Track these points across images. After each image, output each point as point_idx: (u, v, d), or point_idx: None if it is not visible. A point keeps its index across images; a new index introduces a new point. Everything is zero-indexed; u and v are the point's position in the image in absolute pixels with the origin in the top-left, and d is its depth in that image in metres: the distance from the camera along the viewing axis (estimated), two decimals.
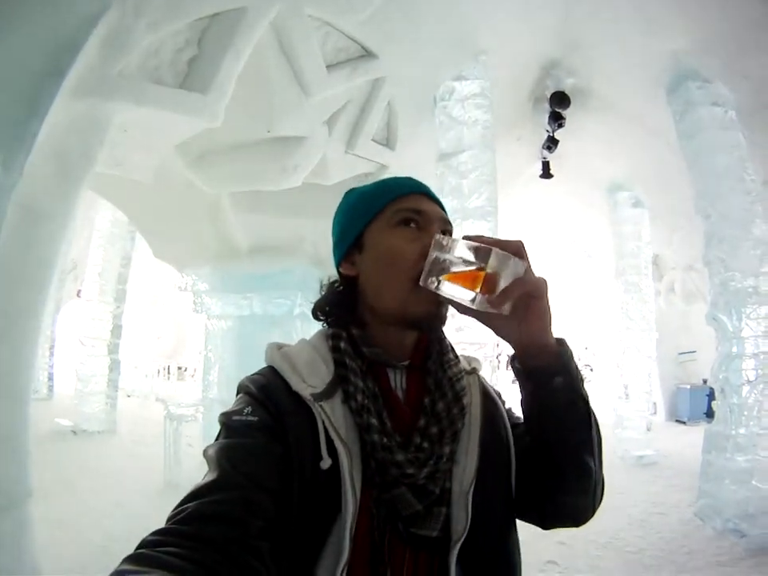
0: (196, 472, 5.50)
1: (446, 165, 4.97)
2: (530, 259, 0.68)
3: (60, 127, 2.60)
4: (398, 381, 0.79)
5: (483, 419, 0.81)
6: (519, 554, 0.80)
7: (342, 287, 0.86)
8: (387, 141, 5.35)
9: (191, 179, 4.90)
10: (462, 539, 0.71)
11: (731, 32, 4.33)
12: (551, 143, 6.32)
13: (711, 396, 7.25)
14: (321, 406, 0.70)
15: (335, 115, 4.68)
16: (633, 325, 8.05)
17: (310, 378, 0.73)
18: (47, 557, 2.76)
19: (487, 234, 0.70)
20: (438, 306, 0.76)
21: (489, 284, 0.64)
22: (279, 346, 0.82)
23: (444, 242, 0.71)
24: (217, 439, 0.70)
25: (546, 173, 7.06)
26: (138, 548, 0.53)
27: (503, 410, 0.87)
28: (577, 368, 0.74)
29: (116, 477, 6.03)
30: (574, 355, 0.75)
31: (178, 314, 16.10)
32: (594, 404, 0.76)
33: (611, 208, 8.26)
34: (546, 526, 0.84)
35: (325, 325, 0.86)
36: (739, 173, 4.67)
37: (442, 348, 0.86)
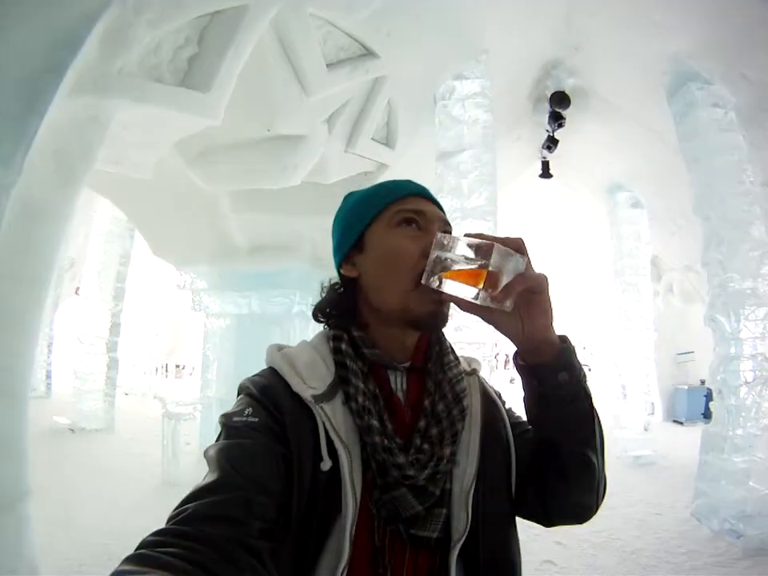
0: (194, 470, 5.53)
1: (445, 164, 4.96)
2: (530, 256, 0.69)
3: (59, 125, 2.59)
4: (398, 382, 0.80)
5: (483, 420, 0.81)
6: (519, 554, 0.80)
7: (342, 289, 0.86)
8: (387, 140, 5.35)
9: (191, 177, 4.90)
10: (463, 540, 0.71)
11: (732, 33, 4.32)
12: (551, 143, 6.33)
13: (709, 397, 7.25)
14: (321, 407, 0.70)
15: (335, 114, 4.69)
16: (631, 325, 8.05)
17: (311, 379, 0.74)
18: (45, 555, 2.76)
19: (487, 233, 0.70)
20: (441, 304, 0.76)
21: (491, 280, 0.64)
22: (280, 347, 0.82)
23: (445, 241, 0.72)
24: (217, 440, 0.70)
25: (546, 173, 7.07)
26: (138, 548, 0.53)
27: (503, 411, 0.87)
28: (580, 364, 0.74)
29: (114, 475, 6.02)
30: (577, 351, 0.75)
31: (176, 312, 16.10)
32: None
33: (610, 208, 8.27)
34: (549, 523, 0.85)
35: (326, 326, 0.86)
36: (739, 174, 4.67)
37: (442, 349, 0.86)
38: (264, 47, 3.68)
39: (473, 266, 0.66)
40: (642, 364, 7.99)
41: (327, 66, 4.17)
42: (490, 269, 0.64)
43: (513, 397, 0.95)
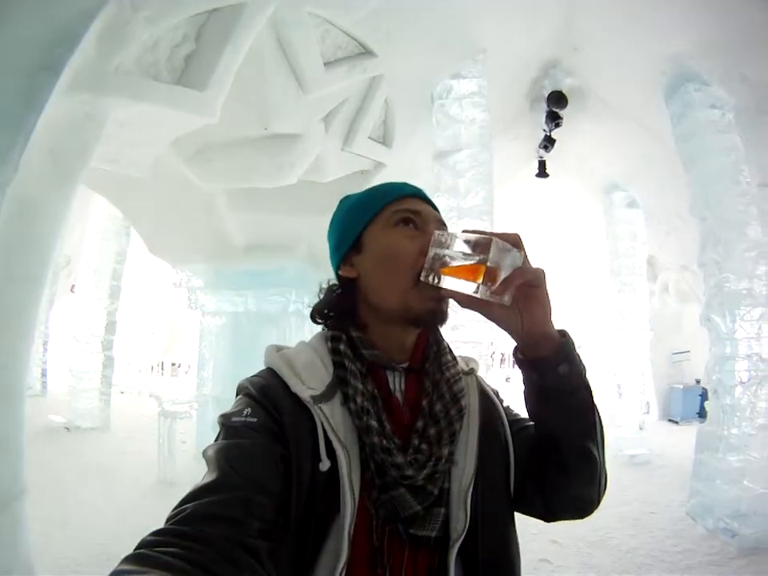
0: (190, 469, 5.53)
1: (442, 163, 4.96)
2: (527, 251, 0.69)
3: (56, 123, 2.58)
4: (396, 383, 0.80)
5: (482, 419, 0.82)
6: (518, 552, 0.80)
7: (340, 290, 0.86)
8: (384, 139, 5.35)
9: (187, 175, 4.88)
10: (461, 539, 0.72)
11: (730, 35, 4.33)
12: (548, 143, 6.33)
13: (704, 396, 7.28)
14: (320, 407, 0.70)
15: (332, 112, 4.68)
16: (627, 324, 8.06)
17: (310, 380, 0.74)
18: (41, 554, 2.76)
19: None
20: (440, 301, 0.76)
21: (490, 275, 0.65)
22: (278, 348, 0.82)
23: (443, 238, 0.72)
24: (216, 440, 0.70)
25: (543, 172, 7.07)
26: (137, 548, 0.53)
27: (501, 409, 0.87)
28: (580, 357, 0.75)
29: (110, 474, 6.01)
30: (576, 345, 0.76)
31: (172, 310, 16.06)
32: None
33: (606, 208, 8.29)
34: (549, 518, 0.85)
35: (324, 327, 0.86)
36: (735, 175, 4.68)
37: (439, 350, 0.86)
38: (261, 45, 3.68)
39: (471, 262, 0.67)
40: (637, 363, 8.02)
41: (325, 64, 4.17)
42: (489, 264, 0.64)
43: (509, 395, 0.96)
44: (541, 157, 6.91)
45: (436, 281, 0.71)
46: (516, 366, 0.79)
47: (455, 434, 0.77)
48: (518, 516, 0.84)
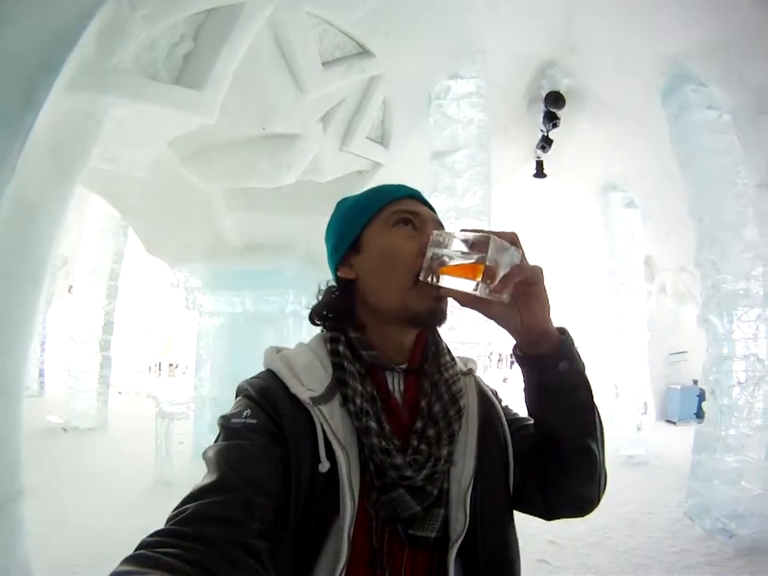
0: (187, 469, 5.52)
1: (440, 163, 4.97)
2: (524, 250, 0.70)
3: (54, 122, 2.57)
4: (395, 384, 0.80)
5: (480, 420, 0.82)
6: (518, 552, 0.80)
7: (339, 291, 0.86)
8: (382, 139, 5.36)
9: (185, 175, 4.88)
10: (461, 539, 0.72)
11: (728, 36, 4.34)
12: (545, 143, 6.34)
13: (701, 397, 7.29)
14: (319, 409, 0.70)
15: (330, 112, 4.68)
16: (624, 325, 8.08)
17: (309, 381, 0.74)
18: (38, 555, 2.75)
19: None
20: (439, 301, 0.77)
21: (488, 273, 0.65)
22: (278, 350, 0.82)
23: (441, 238, 0.73)
24: (216, 441, 0.70)
25: (540, 172, 7.08)
26: (137, 548, 0.53)
27: (500, 409, 0.87)
28: (579, 355, 0.75)
29: (107, 474, 6.00)
30: (575, 343, 0.76)
31: (169, 310, 16.03)
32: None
33: (604, 208, 8.31)
34: (549, 517, 0.85)
35: (323, 329, 0.86)
36: (732, 176, 4.69)
37: (438, 350, 0.87)
38: (260, 45, 3.67)
39: (470, 261, 0.67)
40: (634, 363, 8.03)
41: (323, 64, 4.17)
42: (487, 262, 0.64)
43: (507, 395, 0.96)
44: (538, 157, 6.92)
45: (435, 280, 0.72)
46: (516, 365, 0.80)
47: (454, 434, 0.77)
48: (515, 516, 0.84)
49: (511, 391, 0.78)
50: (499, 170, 5.76)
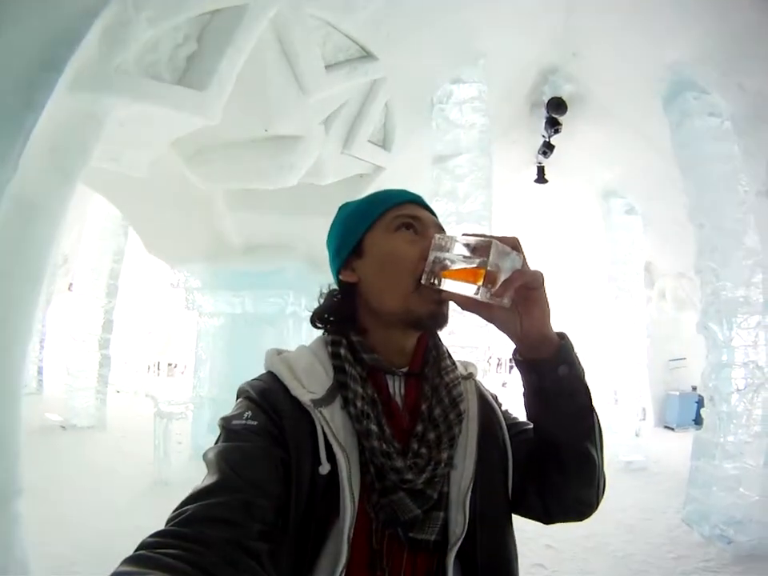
0: (185, 469, 5.52)
1: (441, 167, 4.97)
2: (525, 254, 0.70)
3: (56, 121, 2.58)
4: (396, 387, 0.80)
5: (480, 424, 0.82)
6: (516, 556, 0.81)
7: (341, 295, 0.87)
8: (383, 142, 5.36)
9: (187, 176, 4.89)
10: (460, 542, 0.72)
11: (729, 43, 4.35)
12: (547, 148, 6.34)
13: (700, 403, 7.29)
14: (320, 411, 0.70)
15: (332, 115, 4.69)
16: (624, 331, 8.08)
17: (310, 383, 0.74)
18: (36, 553, 2.74)
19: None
20: (440, 304, 0.77)
21: (490, 277, 0.65)
22: (279, 352, 0.82)
23: (443, 242, 0.73)
24: (216, 443, 0.70)
25: (541, 178, 7.09)
26: (137, 549, 0.53)
27: (500, 413, 0.88)
28: (579, 360, 0.75)
29: (106, 473, 5.99)
30: (575, 348, 0.76)
31: (169, 310, 16.03)
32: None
33: (605, 214, 8.31)
34: (548, 521, 0.85)
35: (324, 332, 0.87)
36: (733, 183, 4.70)
37: (438, 354, 0.87)
38: (263, 47, 3.68)
39: (471, 265, 0.68)
40: (634, 370, 8.03)
41: (326, 67, 4.18)
42: (489, 267, 0.65)
43: (506, 400, 0.96)
44: (540, 162, 6.93)
45: (437, 284, 0.72)
46: (515, 369, 0.80)
47: (454, 438, 0.77)
48: (513, 520, 0.84)
49: (510, 395, 0.78)
50: (500, 174, 5.77)
